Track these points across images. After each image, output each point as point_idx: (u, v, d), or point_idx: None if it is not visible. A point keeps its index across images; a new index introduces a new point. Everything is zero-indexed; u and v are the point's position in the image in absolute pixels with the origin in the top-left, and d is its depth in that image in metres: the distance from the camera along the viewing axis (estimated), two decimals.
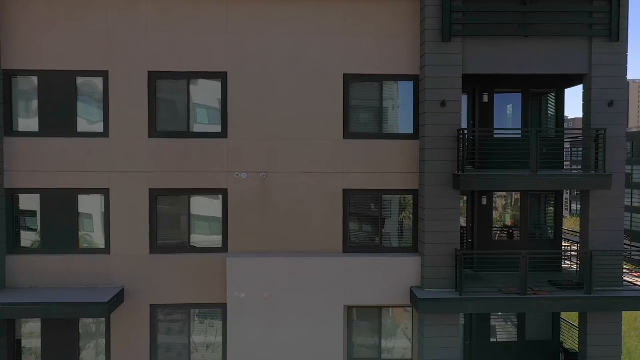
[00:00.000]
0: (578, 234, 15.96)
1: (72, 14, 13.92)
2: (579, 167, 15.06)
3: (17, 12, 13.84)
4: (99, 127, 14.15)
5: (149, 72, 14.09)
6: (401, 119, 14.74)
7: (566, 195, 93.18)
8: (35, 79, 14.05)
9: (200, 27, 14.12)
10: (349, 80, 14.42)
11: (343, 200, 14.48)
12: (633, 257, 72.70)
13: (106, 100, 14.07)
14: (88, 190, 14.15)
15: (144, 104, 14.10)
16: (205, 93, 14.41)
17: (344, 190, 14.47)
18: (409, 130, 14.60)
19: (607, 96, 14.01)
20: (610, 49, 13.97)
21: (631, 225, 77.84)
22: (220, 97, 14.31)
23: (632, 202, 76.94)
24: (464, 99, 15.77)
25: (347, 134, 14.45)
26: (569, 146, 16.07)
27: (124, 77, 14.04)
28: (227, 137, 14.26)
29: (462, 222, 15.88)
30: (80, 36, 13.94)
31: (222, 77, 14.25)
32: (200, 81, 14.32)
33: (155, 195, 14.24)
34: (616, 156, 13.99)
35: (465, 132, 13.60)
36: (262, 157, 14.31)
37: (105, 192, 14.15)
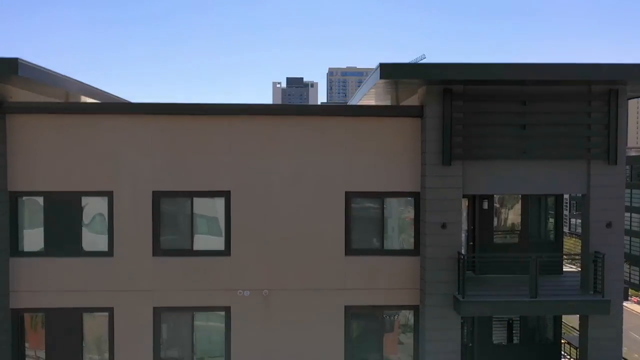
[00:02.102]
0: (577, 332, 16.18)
1: (78, 137, 14.11)
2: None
3: (24, 135, 14.02)
4: (103, 246, 14.32)
5: (153, 191, 14.28)
6: (402, 235, 14.92)
7: (565, 212, 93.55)
8: (40, 200, 14.23)
9: (203, 147, 14.31)
10: (351, 197, 14.61)
11: (345, 316, 14.64)
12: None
13: (111, 219, 14.26)
14: (92, 309, 14.32)
15: (148, 223, 14.28)
16: (208, 211, 14.59)
17: (345, 306, 14.63)
18: (410, 246, 14.78)
19: (605, 217, 14.21)
20: (608, 171, 14.16)
21: (630, 249, 78.20)
22: (223, 216, 14.49)
23: (631, 226, 77.34)
24: (464, 202, 15.97)
25: (349, 251, 14.62)
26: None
27: (128, 197, 14.23)
28: (230, 255, 14.44)
29: None
30: (86, 158, 14.13)
31: (225, 195, 14.44)
32: (204, 199, 14.51)
33: (158, 313, 14.40)
34: (614, 276, 14.18)
35: (465, 257, 13.78)
36: (264, 274, 14.47)
37: (109, 311, 14.31)
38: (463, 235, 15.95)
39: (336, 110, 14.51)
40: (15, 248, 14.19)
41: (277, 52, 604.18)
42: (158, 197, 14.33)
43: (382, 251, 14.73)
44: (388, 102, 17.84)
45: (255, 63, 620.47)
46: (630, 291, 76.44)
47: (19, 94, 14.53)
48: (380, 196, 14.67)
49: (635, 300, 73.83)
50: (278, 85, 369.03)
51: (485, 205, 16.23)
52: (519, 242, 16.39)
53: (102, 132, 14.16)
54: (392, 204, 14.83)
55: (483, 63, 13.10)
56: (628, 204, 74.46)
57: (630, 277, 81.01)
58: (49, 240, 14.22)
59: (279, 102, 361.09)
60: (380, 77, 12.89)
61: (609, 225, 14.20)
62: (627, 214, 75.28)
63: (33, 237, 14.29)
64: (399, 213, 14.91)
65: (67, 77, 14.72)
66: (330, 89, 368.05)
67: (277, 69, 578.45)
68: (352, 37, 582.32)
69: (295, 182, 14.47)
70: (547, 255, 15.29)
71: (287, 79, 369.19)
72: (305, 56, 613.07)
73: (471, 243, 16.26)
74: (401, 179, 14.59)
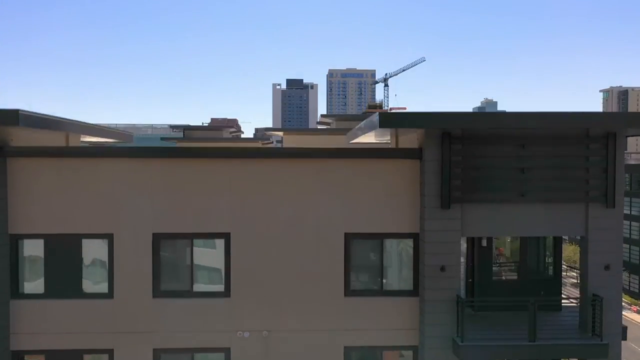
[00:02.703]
0: None
1: (78, 180, 14.16)
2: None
3: (24, 178, 14.06)
4: (103, 288, 14.38)
5: (153, 233, 14.33)
6: (401, 276, 14.97)
7: None
8: (41, 242, 14.28)
9: (203, 189, 14.35)
10: (350, 238, 14.65)
11: (344, 357, 14.68)
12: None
13: (111, 261, 14.31)
14: (92, 351, 14.37)
15: (148, 264, 14.33)
16: (208, 253, 14.65)
17: (345, 347, 14.68)
18: (409, 287, 14.82)
19: (603, 259, 14.26)
20: (606, 214, 14.21)
21: (630, 257, 78.27)
22: (223, 257, 14.53)
23: (630, 234, 77.42)
24: (463, 239, 16.02)
25: (348, 292, 14.67)
26: None
27: (129, 239, 14.28)
28: (229, 296, 14.49)
29: None
30: (86, 201, 14.18)
31: (225, 237, 14.49)
32: (204, 241, 14.57)
33: (158, 354, 14.45)
34: (613, 318, 14.23)
35: (464, 301, 13.82)
36: (264, 316, 14.51)
37: (109, 352, 14.36)
38: (462, 271, 15.99)
39: (336, 152, 14.54)
40: (15, 290, 14.24)
41: (277, 52, 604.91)
42: (158, 239, 14.38)
43: (382, 292, 14.79)
44: (387, 138, 17.90)
45: (254, 63, 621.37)
46: (630, 299, 76.49)
47: (20, 136, 14.57)
48: (379, 237, 14.71)
49: (635, 309, 73.89)
50: (278, 87, 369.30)
51: (484, 242, 16.27)
52: (518, 279, 16.44)
53: (102, 175, 14.21)
54: (391, 245, 14.88)
55: (482, 112, 13.18)
56: (627, 212, 74.67)
57: (630, 286, 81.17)
58: (49, 283, 14.27)
59: (279, 103, 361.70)
60: (380, 126, 12.96)
61: (607, 267, 14.25)
62: (627, 222, 75.49)
63: (33, 279, 14.36)
64: (398, 254, 14.96)
65: (66, 119, 14.80)
66: (330, 90, 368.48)
67: (276, 70, 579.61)
68: (352, 37, 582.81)
69: (294, 223, 14.52)
70: (546, 299, 15.35)
71: (287, 80, 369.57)
72: (305, 56, 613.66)
73: (470, 280, 16.31)
74: (400, 221, 14.63)
